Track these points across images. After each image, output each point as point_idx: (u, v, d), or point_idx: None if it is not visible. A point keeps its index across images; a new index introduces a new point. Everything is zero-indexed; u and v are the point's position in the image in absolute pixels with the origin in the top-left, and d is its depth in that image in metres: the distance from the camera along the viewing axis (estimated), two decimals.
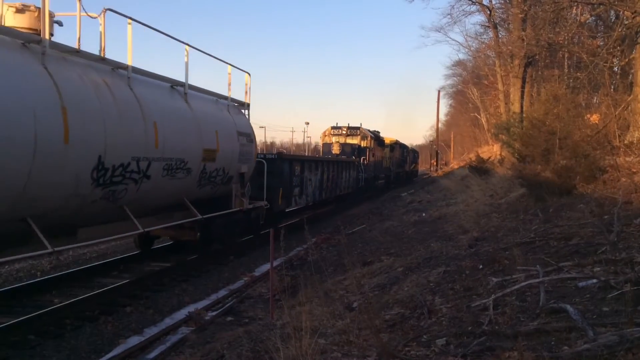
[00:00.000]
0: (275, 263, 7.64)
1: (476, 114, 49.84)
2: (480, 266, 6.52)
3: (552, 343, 3.64)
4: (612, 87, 18.18)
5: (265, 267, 10.63)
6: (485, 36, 32.37)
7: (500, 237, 8.57)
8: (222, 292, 9.52)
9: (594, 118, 14.02)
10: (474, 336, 4.04)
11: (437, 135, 64.24)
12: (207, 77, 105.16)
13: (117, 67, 8.68)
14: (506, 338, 3.84)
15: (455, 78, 56.80)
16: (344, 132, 30.05)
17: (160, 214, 10.35)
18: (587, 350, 3.31)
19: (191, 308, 8.30)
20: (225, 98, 12.92)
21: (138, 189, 8.71)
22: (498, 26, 27.17)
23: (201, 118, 10.94)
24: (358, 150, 29.35)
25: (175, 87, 10.64)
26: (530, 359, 3.35)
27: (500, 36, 27.30)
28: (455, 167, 47.02)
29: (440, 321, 4.75)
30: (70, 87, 7.08)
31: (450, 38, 65.76)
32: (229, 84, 12.95)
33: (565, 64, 24.27)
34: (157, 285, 9.69)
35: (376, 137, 32.84)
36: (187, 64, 10.72)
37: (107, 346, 6.76)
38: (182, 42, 10.60)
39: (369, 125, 36.38)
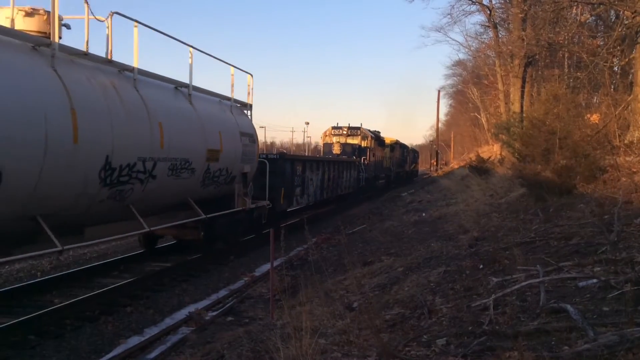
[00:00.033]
0: (275, 263, 7.64)
1: (476, 114, 49.81)
2: (481, 266, 6.52)
3: (553, 343, 3.64)
4: (612, 86, 18.18)
5: (266, 267, 10.63)
6: (485, 36, 32.39)
7: (501, 236, 8.56)
8: (223, 292, 9.52)
9: (594, 118, 14.02)
10: (474, 336, 4.04)
11: (437, 135, 64.25)
12: (209, 77, 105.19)
13: (123, 69, 8.83)
14: (506, 338, 3.84)
15: (455, 78, 56.84)
16: (345, 132, 30.11)
17: (165, 213, 10.48)
18: (588, 350, 3.31)
19: (191, 308, 8.30)
20: (228, 99, 13.03)
21: (144, 189, 8.84)
22: (498, 26, 27.18)
23: (205, 119, 11.08)
24: (359, 150, 29.38)
25: (180, 88, 10.75)
26: (530, 358, 3.35)
27: (500, 36, 27.31)
28: (455, 167, 47.01)
29: (440, 321, 4.75)
30: (78, 89, 7.23)
31: (450, 38, 65.71)
32: (232, 85, 13.10)
33: (566, 63, 24.26)
34: (157, 285, 9.70)
35: (376, 137, 32.87)
36: (191, 65, 10.85)
37: (107, 346, 6.76)
38: (187, 44, 10.70)
39: (369, 125, 36.46)
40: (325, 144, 31.01)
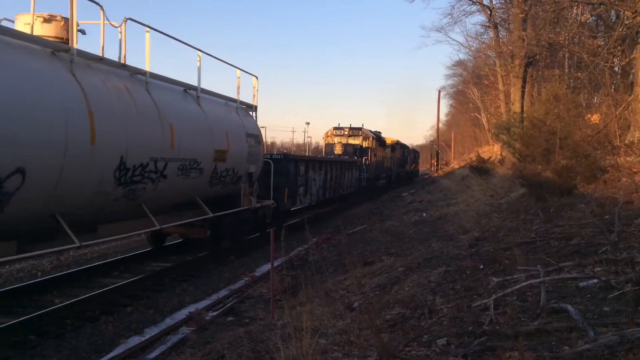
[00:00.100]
0: (275, 263, 7.64)
1: (477, 114, 49.84)
2: (481, 266, 6.52)
3: (553, 343, 3.64)
4: (613, 87, 18.18)
5: (266, 267, 10.64)
6: (485, 36, 32.44)
7: (501, 237, 8.56)
8: (223, 292, 9.53)
9: (595, 118, 14.02)
10: (474, 336, 4.03)
11: (438, 135, 64.23)
12: (212, 79, 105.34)
13: (136, 72, 9.09)
14: (507, 338, 3.83)
15: (455, 78, 56.85)
16: (346, 133, 30.19)
17: (173, 212, 10.70)
18: (588, 351, 3.31)
19: (192, 308, 8.30)
20: (235, 101, 13.25)
21: (155, 188, 9.10)
22: (498, 26, 27.20)
23: (212, 120, 11.30)
24: (360, 150, 29.43)
25: (188, 90, 10.99)
26: (531, 359, 3.35)
27: (500, 36, 27.34)
28: (456, 167, 47.04)
29: (441, 321, 4.75)
30: (95, 93, 7.51)
31: (450, 38, 65.51)
32: (238, 88, 13.30)
33: (566, 63, 24.26)
34: (157, 285, 9.71)
35: (377, 137, 32.90)
36: (199, 68, 11.12)
37: (108, 346, 6.76)
38: (195, 48, 10.96)
39: (370, 125, 36.58)
40: (327, 144, 31.06)
